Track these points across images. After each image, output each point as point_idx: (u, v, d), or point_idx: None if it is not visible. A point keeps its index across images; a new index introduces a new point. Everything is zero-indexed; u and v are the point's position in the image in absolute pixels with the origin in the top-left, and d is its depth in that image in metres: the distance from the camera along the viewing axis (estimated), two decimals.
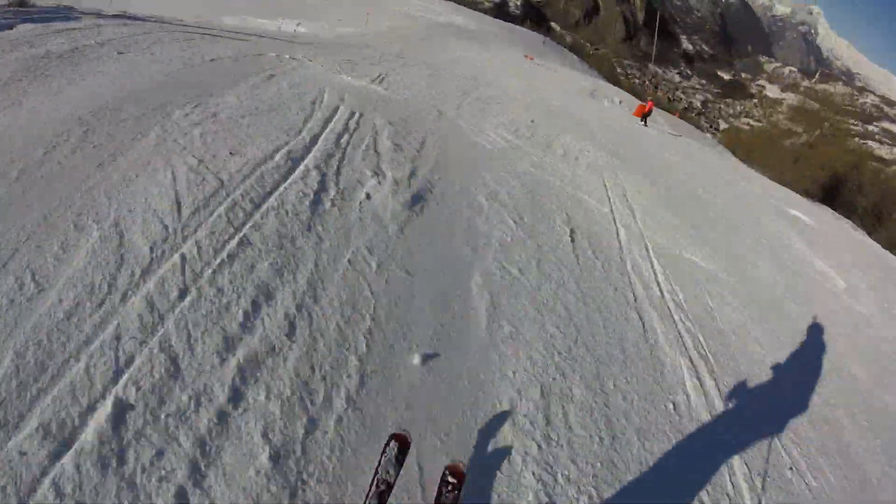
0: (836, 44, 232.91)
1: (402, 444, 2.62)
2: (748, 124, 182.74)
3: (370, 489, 2.44)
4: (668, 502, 3.24)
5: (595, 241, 6.19)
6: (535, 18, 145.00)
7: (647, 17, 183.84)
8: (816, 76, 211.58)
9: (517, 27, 60.91)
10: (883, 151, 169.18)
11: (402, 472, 2.57)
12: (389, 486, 2.47)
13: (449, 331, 3.82)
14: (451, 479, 2.63)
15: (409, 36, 26.81)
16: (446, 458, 2.91)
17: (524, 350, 3.89)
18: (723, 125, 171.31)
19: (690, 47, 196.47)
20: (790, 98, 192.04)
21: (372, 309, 3.71)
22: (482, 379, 3.51)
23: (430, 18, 39.17)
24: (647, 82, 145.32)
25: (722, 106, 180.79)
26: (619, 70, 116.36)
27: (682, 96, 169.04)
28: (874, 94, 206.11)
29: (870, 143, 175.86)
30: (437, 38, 28.14)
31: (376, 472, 2.49)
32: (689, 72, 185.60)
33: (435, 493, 2.65)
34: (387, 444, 2.60)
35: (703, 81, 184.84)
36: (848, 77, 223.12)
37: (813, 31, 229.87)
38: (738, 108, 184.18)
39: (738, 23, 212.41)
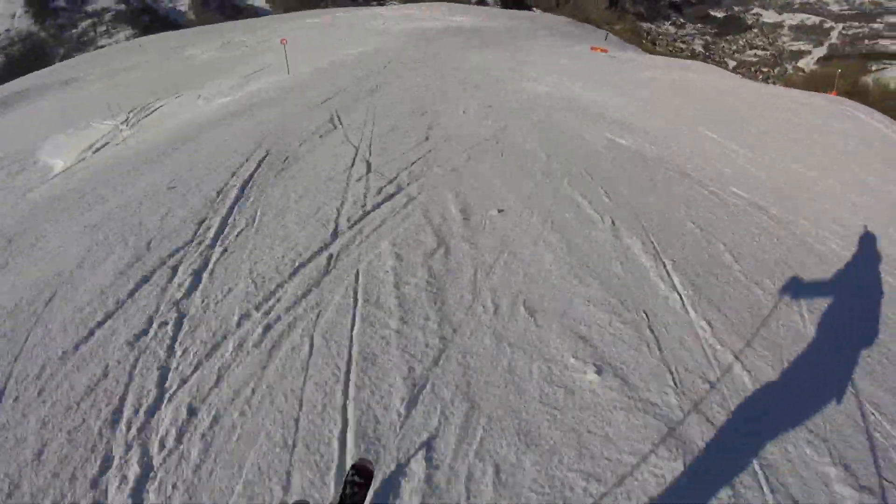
0: None
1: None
2: (755, 55, 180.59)
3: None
4: None
5: None
6: (513, 4, 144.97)
7: None
8: None
9: (536, 14, 57.14)
10: None
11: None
12: None
13: None
14: (357, 479, 2.62)
15: (406, 59, 19.16)
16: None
17: None
18: (731, 63, 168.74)
19: None
20: (788, 18, 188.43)
21: None
22: None
23: (423, 26, 30.41)
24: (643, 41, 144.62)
25: (724, 44, 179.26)
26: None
27: (683, 45, 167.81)
28: None
29: (881, 41, 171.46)
30: (458, 52, 21.71)
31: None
32: (681, 20, 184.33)
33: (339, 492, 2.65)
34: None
35: (699, 25, 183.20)
36: None
37: None
38: (741, 42, 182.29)
39: None
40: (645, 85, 14.66)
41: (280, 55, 17.57)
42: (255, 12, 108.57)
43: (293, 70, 16.96)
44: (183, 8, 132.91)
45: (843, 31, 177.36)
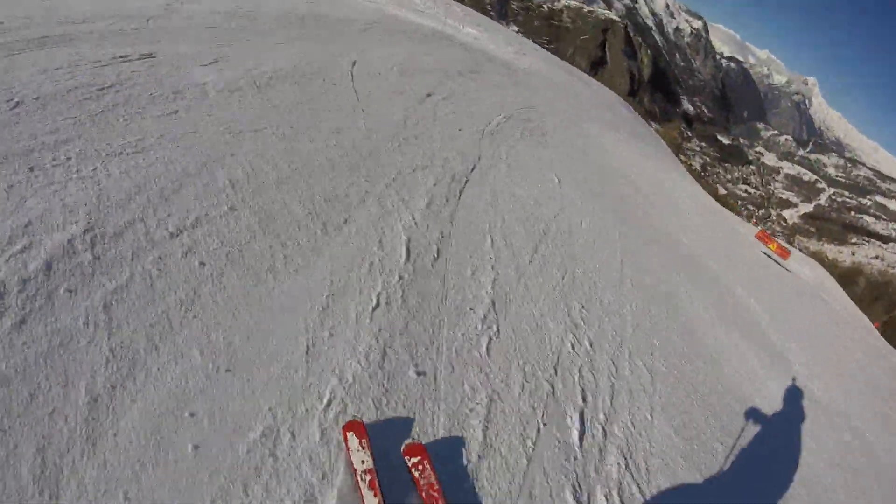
0: (828, 114, 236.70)
1: (357, 431, 2.50)
2: (746, 191, 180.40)
3: (358, 484, 2.33)
4: None
5: None
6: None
7: (652, 75, 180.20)
8: (810, 145, 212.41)
9: (591, 79, 42.34)
10: (878, 227, 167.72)
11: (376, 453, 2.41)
12: (373, 472, 2.37)
13: None
14: (413, 460, 2.53)
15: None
16: None
17: None
18: (721, 190, 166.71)
19: (691, 108, 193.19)
20: (786, 167, 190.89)
21: None
22: None
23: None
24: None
25: (721, 170, 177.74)
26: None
27: (683, 158, 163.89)
28: (865, 165, 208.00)
29: (865, 217, 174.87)
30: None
31: (352, 467, 2.39)
32: (688, 133, 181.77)
33: (412, 480, 2.50)
34: (345, 439, 2.49)
35: (703, 144, 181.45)
36: (839, 147, 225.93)
37: (807, 101, 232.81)
38: (737, 173, 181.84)
39: (736, 88, 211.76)
40: None
41: None
42: None
43: None
44: None
45: (833, 197, 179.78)
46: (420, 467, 2.47)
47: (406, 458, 2.53)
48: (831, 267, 33.37)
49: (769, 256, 11.32)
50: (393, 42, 10.55)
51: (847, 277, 44.04)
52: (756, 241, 12.23)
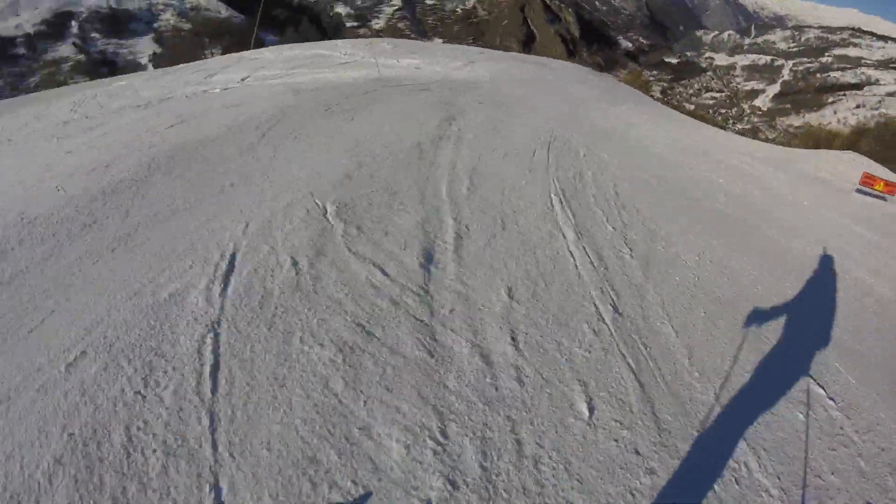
0: None
1: None
2: (711, 97, 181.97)
3: None
4: None
5: None
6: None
7: (582, 30, 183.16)
8: (752, 30, 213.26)
9: (543, 59, 41.42)
10: (848, 77, 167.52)
11: None
12: None
13: None
14: None
15: None
16: None
17: None
18: (689, 107, 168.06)
19: (630, 45, 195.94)
20: (740, 60, 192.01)
21: None
22: None
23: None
24: None
25: (681, 89, 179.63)
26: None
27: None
28: (811, 27, 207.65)
29: (832, 74, 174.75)
30: None
31: None
32: (638, 68, 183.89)
33: None
34: None
35: (655, 72, 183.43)
36: (780, 21, 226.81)
37: None
38: (696, 86, 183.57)
39: (662, 7, 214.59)
40: None
41: None
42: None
43: None
44: (143, 60, 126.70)
45: (794, 68, 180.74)
46: None
47: None
48: (829, 139, 34.06)
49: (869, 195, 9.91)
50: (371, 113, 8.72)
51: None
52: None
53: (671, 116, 16.92)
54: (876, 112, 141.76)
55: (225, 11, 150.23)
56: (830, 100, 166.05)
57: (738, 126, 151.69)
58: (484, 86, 13.09)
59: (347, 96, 9.66)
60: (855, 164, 11.94)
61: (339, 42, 19.55)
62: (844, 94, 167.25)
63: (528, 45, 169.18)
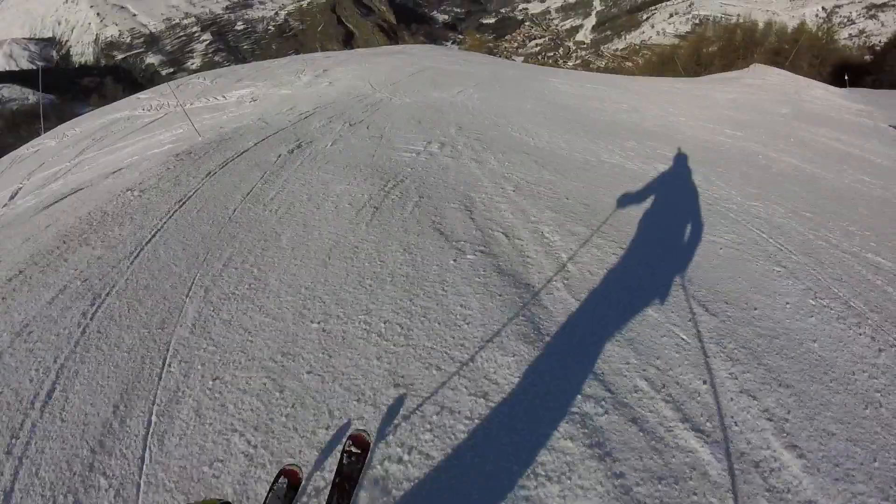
0: None
1: (293, 479, 2.45)
2: (536, 45, 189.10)
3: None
4: None
5: None
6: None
7: (396, 14, 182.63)
8: None
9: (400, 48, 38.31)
10: None
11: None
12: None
13: None
14: (354, 450, 2.55)
15: None
16: None
17: None
18: (519, 60, 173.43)
19: (445, 17, 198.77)
20: (552, 3, 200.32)
21: None
22: None
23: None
24: None
25: (506, 45, 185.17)
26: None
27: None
28: None
29: None
30: None
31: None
32: (460, 36, 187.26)
33: (339, 462, 2.53)
34: (275, 480, 2.43)
35: (477, 35, 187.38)
36: None
37: None
38: (520, 38, 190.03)
39: None
40: None
41: None
42: None
43: None
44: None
45: None
46: (353, 458, 2.49)
47: (349, 443, 2.55)
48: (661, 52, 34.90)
49: None
50: None
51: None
52: None
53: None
54: (689, 15, 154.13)
55: (33, 96, 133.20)
56: (645, 17, 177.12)
57: (570, 64, 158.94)
58: (382, 102, 11.59)
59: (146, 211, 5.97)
60: None
61: (142, 94, 15.59)
62: (656, 8, 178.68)
63: (348, 43, 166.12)
